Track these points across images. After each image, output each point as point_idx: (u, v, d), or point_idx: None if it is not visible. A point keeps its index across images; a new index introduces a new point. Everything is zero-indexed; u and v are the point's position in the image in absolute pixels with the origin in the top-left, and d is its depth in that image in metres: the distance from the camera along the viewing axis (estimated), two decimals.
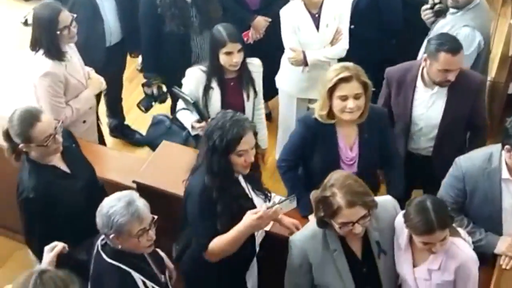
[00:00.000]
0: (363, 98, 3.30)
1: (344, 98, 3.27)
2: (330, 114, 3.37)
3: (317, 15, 4.30)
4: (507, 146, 3.14)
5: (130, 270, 2.88)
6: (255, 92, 4.03)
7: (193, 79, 3.93)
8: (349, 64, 3.35)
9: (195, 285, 3.41)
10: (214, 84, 3.90)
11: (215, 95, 3.91)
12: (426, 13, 4.34)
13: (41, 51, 3.86)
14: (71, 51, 4.02)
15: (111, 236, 2.82)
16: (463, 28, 4.12)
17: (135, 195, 2.88)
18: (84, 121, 4.12)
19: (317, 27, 4.31)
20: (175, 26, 4.34)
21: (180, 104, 4.01)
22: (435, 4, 4.30)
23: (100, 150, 4.03)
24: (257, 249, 3.36)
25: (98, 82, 4.18)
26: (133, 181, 3.72)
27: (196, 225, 3.13)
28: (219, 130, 3.02)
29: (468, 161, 3.34)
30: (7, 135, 3.22)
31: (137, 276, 2.89)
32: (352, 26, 4.52)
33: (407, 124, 3.85)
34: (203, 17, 4.27)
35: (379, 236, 2.99)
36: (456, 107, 3.74)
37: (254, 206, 3.14)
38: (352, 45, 4.43)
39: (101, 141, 4.53)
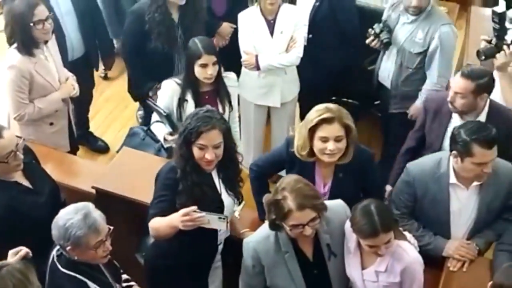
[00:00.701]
0: (345, 141, 3.22)
1: (325, 140, 3.20)
2: (311, 153, 3.29)
3: (272, 21, 4.36)
4: (454, 152, 3.22)
5: (86, 280, 2.88)
6: (231, 105, 4.02)
7: (168, 91, 3.93)
8: (333, 105, 3.28)
9: (159, 280, 3.41)
10: (188, 97, 3.89)
11: (190, 108, 3.86)
12: (374, 43, 4.46)
13: (15, 45, 3.86)
14: (50, 53, 4.03)
15: (68, 248, 2.82)
16: (442, 27, 4.25)
17: (91, 207, 2.87)
18: (51, 124, 4.11)
19: (272, 33, 4.37)
20: (160, 43, 4.35)
21: (155, 116, 4.00)
22: (378, 34, 4.42)
23: (60, 156, 3.99)
24: (220, 248, 3.39)
25: (69, 88, 4.15)
26: (92, 187, 3.72)
27: (154, 197, 3.15)
28: (188, 119, 3.10)
29: (418, 166, 3.42)
30: None
31: (92, 286, 2.89)
32: (311, 36, 4.61)
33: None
34: (187, 36, 4.23)
35: (329, 239, 3.03)
36: None
37: (221, 201, 3.22)
38: (312, 53, 4.50)
39: (74, 147, 4.52)
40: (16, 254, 2.96)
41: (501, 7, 3.90)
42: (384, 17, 4.49)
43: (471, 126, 3.22)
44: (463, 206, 3.38)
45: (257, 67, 4.37)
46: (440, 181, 3.34)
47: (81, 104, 4.99)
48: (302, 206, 2.81)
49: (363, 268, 3.03)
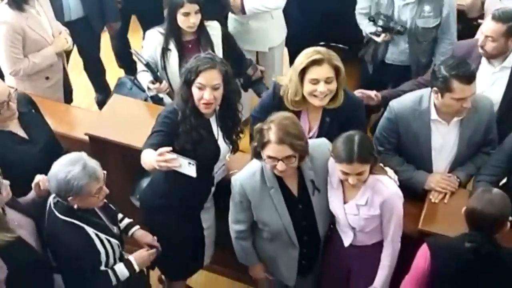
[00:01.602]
0: (335, 82, 3.21)
1: (315, 82, 3.19)
2: (303, 100, 3.28)
3: None
4: (434, 88, 3.25)
5: (83, 225, 2.95)
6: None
7: (152, 41, 3.92)
8: (321, 48, 3.26)
9: (154, 219, 3.47)
10: (171, 46, 3.88)
11: (173, 56, 3.89)
12: (388, 37, 4.31)
13: (5, 0, 3.83)
14: (41, 8, 3.99)
15: (70, 198, 2.87)
16: None
17: (85, 156, 2.91)
18: (47, 78, 4.12)
19: None
20: None
21: (140, 66, 3.99)
22: (387, 27, 4.26)
23: (55, 106, 3.99)
24: (212, 190, 3.46)
25: (62, 41, 4.13)
26: (85, 134, 3.75)
27: (152, 132, 3.16)
28: (191, 62, 3.12)
29: (400, 103, 3.44)
30: None
31: (90, 230, 2.97)
32: None
33: None
34: None
35: (313, 175, 3.10)
36: None
37: (217, 147, 3.26)
38: None
39: (69, 99, 4.51)
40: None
41: None
42: (368, 9, 4.38)
43: (451, 62, 3.24)
44: (444, 141, 3.43)
45: (243, 11, 4.36)
46: (422, 117, 3.37)
47: (90, 66, 5.03)
48: (281, 141, 2.86)
49: (345, 202, 3.11)
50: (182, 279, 3.85)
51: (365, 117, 3.60)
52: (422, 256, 2.93)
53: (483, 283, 2.84)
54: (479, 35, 3.67)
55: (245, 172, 3.15)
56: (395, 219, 3.08)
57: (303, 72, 3.20)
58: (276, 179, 3.08)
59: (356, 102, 3.48)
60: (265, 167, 3.06)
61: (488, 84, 3.62)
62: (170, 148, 2.87)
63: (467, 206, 2.83)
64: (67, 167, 2.85)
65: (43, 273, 3.07)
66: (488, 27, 3.56)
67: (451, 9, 4.25)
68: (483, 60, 3.68)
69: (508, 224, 2.81)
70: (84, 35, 4.51)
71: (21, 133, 3.34)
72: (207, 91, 3.06)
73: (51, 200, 3.01)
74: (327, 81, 3.19)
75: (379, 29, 4.26)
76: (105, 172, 2.95)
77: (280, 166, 2.91)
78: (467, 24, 4.60)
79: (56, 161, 2.94)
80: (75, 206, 2.92)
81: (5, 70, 3.99)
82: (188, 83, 3.08)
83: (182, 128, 3.11)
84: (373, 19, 4.28)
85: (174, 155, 2.84)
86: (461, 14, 4.53)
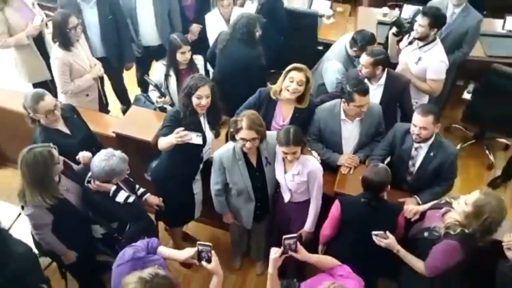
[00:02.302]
0: (304, 87, 3.28)
1: (291, 80, 3.26)
2: (279, 92, 3.35)
3: (228, 20, 4.34)
4: (343, 99, 3.35)
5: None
6: None
7: (158, 70, 3.87)
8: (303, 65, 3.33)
9: (160, 188, 3.45)
10: (171, 73, 3.83)
11: (173, 80, 3.84)
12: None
13: (57, 43, 3.79)
14: (81, 47, 3.92)
15: (113, 180, 2.87)
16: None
17: (112, 150, 2.90)
18: (87, 95, 4.04)
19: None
20: None
21: (151, 87, 3.90)
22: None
23: (93, 114, 3.91)
24: (201, 167, 3.43)
25: (96, 70, 4.01)
26: (113, 132, 3.73)
27: (162, 126, 3.19)
28: (188, 80, 3.16)
29: (321, 109, 3.49)
30: (23, 107, 3.20)
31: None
32: None
33: None
34: None
35: (267, 153, 3.18)
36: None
37: (204, 134, 3.23)
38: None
39: (106, 109, 4.41)
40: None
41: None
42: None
43: (353, 82, 3.31)
44: (350, 133, 3.47)
45: None
46: (335, 118, 3.43)
47: (116, 88, 4.89)
48: (250, 127, 2.94)
49: (285, 172, 3.17)
50: (180, 226, 3.86)
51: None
52: (335, 207, 3.03)
53: (371, 223, 2.91)
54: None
55: (222, 149, 3.20)
56: (317, 184, 3.14)
57: (287, 73, 3.29)
58: (242, 154, 3.14)
59: (314, 106, 3.50)
60: (236, 146, 3.10)
61: (371, 96, 3.52)
62: (183, 128, 2.97)
63: (362, 175, 2.94)
64: (108, 161, 2.84)
65: (81, 223, 3.07)
66: (362, 59, 3.62)
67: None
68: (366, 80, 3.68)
69: (388, 187, 2.92)
70: (107, 68, 4.30)
71: (65, 130, 3.33)
72: (203, 99, 3.13)
73: (86, 179, 2.98)
74: (299, 83, 3.27)
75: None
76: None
77: (248, 145, 3.00)
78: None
79: (95, 153, 2.93)
80: (115, 182, 2.92)
81: (59, 90, 3.93)
82: (189, 94, 3.13)
83: (183, 123, 3.12)
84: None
85: (186, 132, 2.95)
86: None
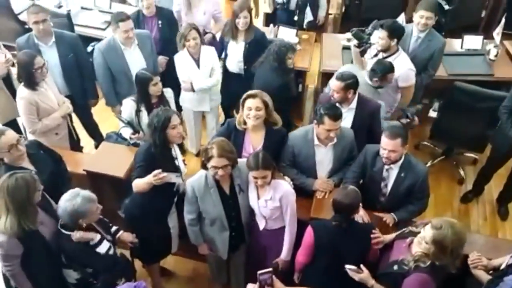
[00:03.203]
0: (263, 111, 3.29)
1: (249, 109, 3.29)
2: (244, 122, 3.37)
3: (197, 59, 4.30)
4: (315, 121, 3.34)
5: None
6: (170, 107, 3.85)
7: (128, 107, 3.83)
8: (257, 91, 3.36)
9: (135, 225, 3.37)
10: (142, 108, 3.81)
11: (144, 115, 3.82)
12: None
13: (22, 83, 3.75)
14: (48, 86, 3.85)
15: (80, 221, 2.79)
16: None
17: (78, 189, 2.84)
18: (56, 133, 3.99)
19: (198, 66, 4.32)
20: None
21: (121, 124, 3.89)
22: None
23: (62, 152, 3.66)
24: (175, 200, 3.38)
25: (65, 108, 3.97)
26: (84, 170, 3.67)
27: (136, 166, 3.15)
28: (156, 117, 3.12)
29: (294, 135, 3.48)
30: None
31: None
32: (245, 67, 4.56)
33: None
34: None
35: (240, 181, 3.14)
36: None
37: (177, 166, 3.25)
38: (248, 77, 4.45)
39: (76, 147, 4.30)
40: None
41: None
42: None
43: (326, 105, 3.32)
44: (323, 158, 3.47)
45: (192, 90, 4.36)
46: (308, 143, 3.42)
47: (85, 124, 4.79)
48: (220, 155, 2.92)
49: (258, 198, 3.14)
50: (157, 262, 3.77)
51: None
52: (308, 233, 2.99)
53: (344, 246, 2.89)
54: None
55: (194, 177, 3.16)
56: (290, 209, 3.11)
57: (243, 102, 3.32)
58: (214, 182, 3.10)
59: (282, 132, 3.49)
60: (208, 174, 3.07)
61: (343, 118, 3.48)
62: (160, 170, 2.95)
63: (332, 198, 2.91)
64: (71, 201, 2.77)
65: (52, 262, 2.94)
66: (333, 84, 3.65)
67: None
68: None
69: (359, 208, 2.93)
70: (74, 106, 4.19)
71: (31, 167, 3.22)
72: (178, 127, 3.15)
73: (58, 225, 2.89)
74: (257, 109, 3.30)
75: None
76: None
77: (221, 172, 2.97)
78: None
79: (59, 184, 2.96)
80: (84, 225, 2.84)
81: (27, 129, 3.88)
82: (163, 129, 3.10)
83: (157, 158, 3.09)
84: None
85: (165, 174, 2.95)
86: None
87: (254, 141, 3.46)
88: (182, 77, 4.37)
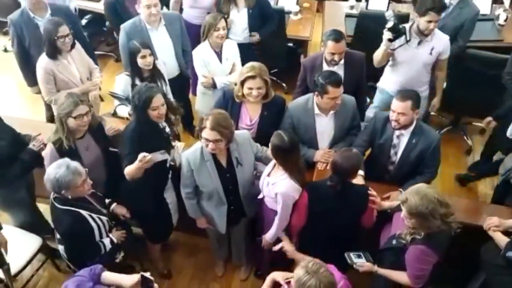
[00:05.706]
0: (264, 88, 3.22)
1: (250, 89, 3.20)
2: (243, 96, 3.28)
3: (219, 52, 3.93)
4: (316, 92, 3.23)
5: (79, 210, 2.82)
6: (165, 81, 3.74)
7: (122, 82, 3.63)
8: (256, 64, 3.22)
9: (132, 203, 3.25)
10: (137, 82, 3.58)
11: None
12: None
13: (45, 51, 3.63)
14: (72, 60, 3.72)
15: (63, 192, 2.73)
16: None
17: (68, 160, 2.77)
18: None
19: (220, 61, 3.94)
20: None
21: (116, 102, 3.69)
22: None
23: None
24: (170, 175, 3.28)
25: (87, 86, 3.79)
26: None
27: (125, 153, 3.00)
28: (137, 94, 2.98)
29: (294, 105, 3.38)
30: None
31: (84, 213, 2.84)
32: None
33: None
34: None
35: (237, 154, 3.01)
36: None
37: (169, 141, 3.15)
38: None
39: None
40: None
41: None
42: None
43: (325, 74, 3.19)
44: (325, 128, 3.37)
45: (214, 86, 3.94)
46: (309, 113, 3.32)
47: None
48: (213, 128, 2.78)
49: (268, 175, 3.01)
50: (164, 240, 3.67)
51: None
52: (302, 195, 2.89)
53: (337, 208, 2.81)
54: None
55: (190, 150, 3.04)
56: (280, 208, 2.97)
57: (242, 82, 3.22)
58: (211, 155, 2.97)
59: (280, 102, 3.42)
60: (204, 147, 2.94)
61: None
62: (145, 154, 2.81)
63: (332, 159, 2.81)
64: (55, 169, 2.71)
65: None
66: (332, 47, 3.49)
67: None
68: (324, 65, 3.59)
69: (357, 173, 2.85)
70: None
71: None
72: (160, 108, 3.00)
73: (51, 197, 2.84)
74: (258, 88, 3.21)
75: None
76: (86, 169, 2.81)
77: (211, 146, 2.84)
78: None
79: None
80: (69, 197, 2.77)
81: (44, 98, 3.81)
82: (143, 109, 2.96)
83: (144, 140, 2.95)
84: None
85: (149, 155, 2.82)
86: None
87: (252, 112, 3.35)
88: (201, 72, 3.96)
